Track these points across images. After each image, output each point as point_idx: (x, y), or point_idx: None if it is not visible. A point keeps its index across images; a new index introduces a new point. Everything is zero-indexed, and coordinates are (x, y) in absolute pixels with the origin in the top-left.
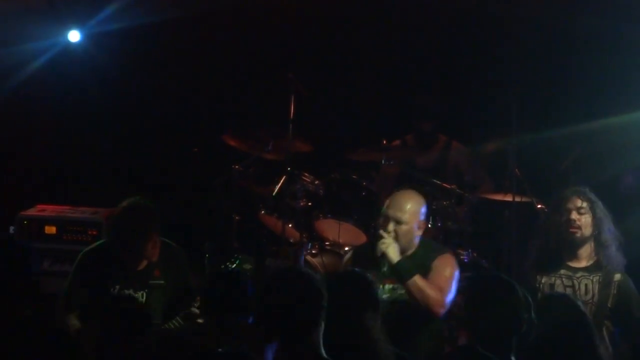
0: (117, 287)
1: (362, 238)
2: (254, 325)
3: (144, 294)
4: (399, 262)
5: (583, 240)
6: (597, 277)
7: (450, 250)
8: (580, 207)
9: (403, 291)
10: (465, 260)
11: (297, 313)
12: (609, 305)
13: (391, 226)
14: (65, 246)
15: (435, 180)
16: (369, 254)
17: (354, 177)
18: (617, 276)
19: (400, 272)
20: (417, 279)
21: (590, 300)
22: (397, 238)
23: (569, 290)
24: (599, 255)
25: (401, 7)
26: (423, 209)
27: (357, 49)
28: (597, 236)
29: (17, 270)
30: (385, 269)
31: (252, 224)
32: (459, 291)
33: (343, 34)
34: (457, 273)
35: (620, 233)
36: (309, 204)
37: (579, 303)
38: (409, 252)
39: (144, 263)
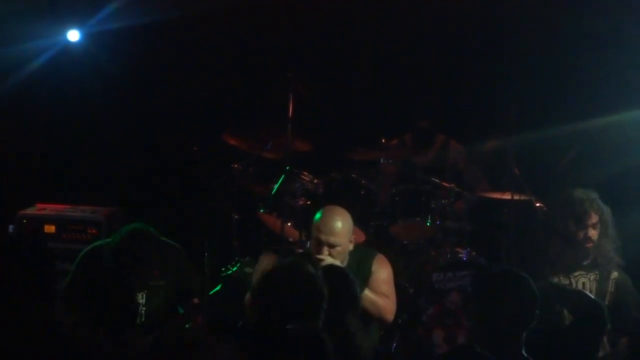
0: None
1: (361, 237)
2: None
3: (144, 295)
4: None
5: (590, 250)
6: (595, 276)
7: (377, 251)
8: (595, 223)
9: None
10: (464, 259)
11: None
12: (606, 302)
13: (325, 250)
14: (64, 245)
15: (434, 179)
16: None
17: (353, 176)
18: (615, 274)
19: None
20: (367, 293)
21: None
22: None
23: None
24: (596, 254)
25: (400, 7)
26: (351, 224)
27: (356, 48)
28: (599, 240)
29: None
30: None
31: (251, 223)
32: (458, 289)
33: (342, 33)
34: (391, 271)
35: (619, 235)
36: (308, 202)
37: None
38: (344, 264)
39: None
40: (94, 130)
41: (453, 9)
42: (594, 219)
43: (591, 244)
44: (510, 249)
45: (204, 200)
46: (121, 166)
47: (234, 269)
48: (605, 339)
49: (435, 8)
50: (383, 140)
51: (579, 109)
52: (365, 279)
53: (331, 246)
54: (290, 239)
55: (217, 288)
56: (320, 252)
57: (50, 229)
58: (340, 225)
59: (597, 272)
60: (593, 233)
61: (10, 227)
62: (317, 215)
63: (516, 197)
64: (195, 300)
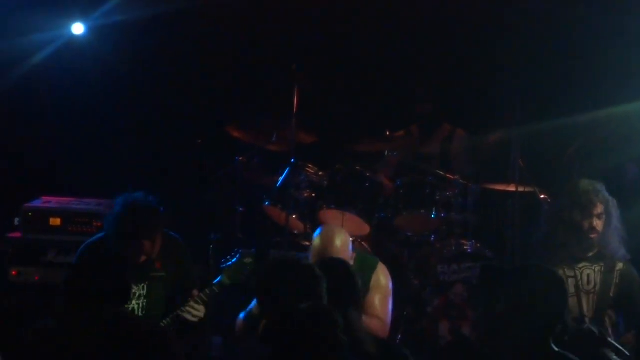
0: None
1: (365, 229)
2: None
3: (145, 287)
4: None
5: (595, 240)
6: (599, 267)
7: (379, 260)
8: (600, 214)
9: None
10: (469, 251)
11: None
12: (611, 294)
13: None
14: (70, 238)
15: (438, 171)
16: None
17: (358, 168)
18: (620, 265)
19: None
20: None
21: (593, 290)
22: None
23: (571, 281)
24: (601, 246)
25: None
26: (349, 240)
27: (360, 40)
28: (604, 231)
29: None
30: None
31: (256, 215)
32: (463, 281)
33: (346, 25)
34: (391, 283)
35: (624, 226)
36: (313, 195)
37: None
38: None
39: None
40: (98, 123)
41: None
42: (600, 209)
43: (596, 235)
44: (515, 240)
45: (208, 193)
46: (126, 159)
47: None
48: (610, 331)
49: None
50: (388, 132)
51: (584, 101)
52: (365, 289)
53: None
54: (295, 231)
55: (218, 279)
56: None
57: (55, 221)
58: (339, 245)
59: (602, 264)
60: (598, 223)
61: (16, 220)
62: (315, 240)
63: (521, 189)
64: (195, 292)
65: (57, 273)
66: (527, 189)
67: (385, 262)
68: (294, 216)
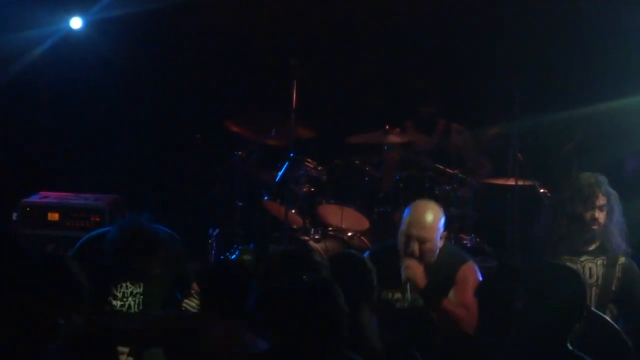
0: (114, 278)
1: (364, 223)
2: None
3: (141, 285)
4: (426, 287)
5: (597, 232)
6: (602, 261)
7: (471, 258)
8: (603, 205)
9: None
10: (468, 245)
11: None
12: (613, 288)
13: (416, 247)
14: (68, 233)
15: (437, 165)
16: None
17: (357, 162)
18: (622, 259)
19: (429, 299)
20: (446, 304)
21: (595, 284)
22: (422, 257)
23: None
24: (603, 239)
25: None
26: (443, 218)
27: (359, 34)
28: (605, 224)
29: None
30: (408, 294)
31: (255, 210)
32: None
33: (344, 19)
34: (480, 281)
35: (625, 220)
36: (312, 189)
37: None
38: (431, 261)
39: None
40: (96, 118)
41: None
42: (602, 200)
43: (598, 226)
44: (514, 234)
45: (207, 188)
46: (124, 154)
47: (233, 256)
48: None
49: None
50: (387, 127)
51: (583, 94)
52: (450, 283)
53: (421, 241)
54: (294, 226)
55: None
56: (408, 247)
57: (53, 216)
58: (431, 219)
59: (604, 258)
60: (600, 215)
61: (14, 215)
62: (408, 210)
63: (520, 183)
64: (195, 286)
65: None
66: (527, 183)
67: None
68: (293, 211)
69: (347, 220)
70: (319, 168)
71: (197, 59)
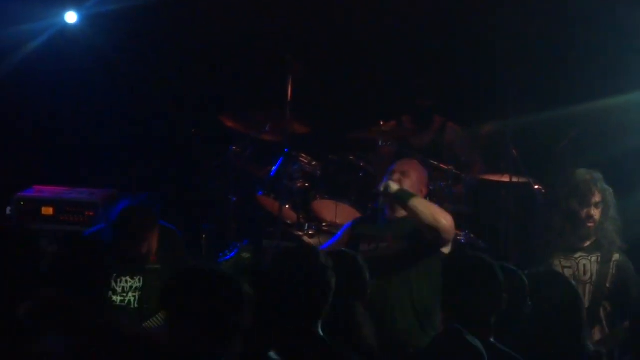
0: (114, 274)
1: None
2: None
3: (141, 279)
4: (401, 188)
5: (592, 230)
6: (596, 257)
7: None
8: (598, 202)
9: None
10: (462, 241)
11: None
12: (607, 285)
13: (397, 176)
14: (62, 227)
15: (432, 161)
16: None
17: (351, 158)
18: (616, 256)
19: (403, 196)
20: (422, 199)
21: (589, 280)
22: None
23: (567, 271)
24: (597, 236)
25: None
26: (426, 174)
27: (355, 29)
28: (601, 221)
29: None
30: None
31: (249, 205)
32: None
33: (340, 14)
34: None
35: (622, 217)
36: (306, 185)
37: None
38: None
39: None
40: (91, 113)
41: None
42: (597, 197)
43: (593, 224)
44: (509, 231)
45: (201, 183)
46: (118, 148)
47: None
48: (604, 322)
49: None
50: (381, 123)
51: (578, 91)
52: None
53: (403, 174)
54: (288, 221)
55: None
56: (392, 177)
57: (47, 211)
58: (415, 163)
59: (598, 254)
60: (595, 212)
61: (8, 209)
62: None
63: (514, 180)
64: None
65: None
66: (521, 180)
67: None
68: (287, 206)
69: (342, 215)
70: (314, 163)
71: (192, 54)
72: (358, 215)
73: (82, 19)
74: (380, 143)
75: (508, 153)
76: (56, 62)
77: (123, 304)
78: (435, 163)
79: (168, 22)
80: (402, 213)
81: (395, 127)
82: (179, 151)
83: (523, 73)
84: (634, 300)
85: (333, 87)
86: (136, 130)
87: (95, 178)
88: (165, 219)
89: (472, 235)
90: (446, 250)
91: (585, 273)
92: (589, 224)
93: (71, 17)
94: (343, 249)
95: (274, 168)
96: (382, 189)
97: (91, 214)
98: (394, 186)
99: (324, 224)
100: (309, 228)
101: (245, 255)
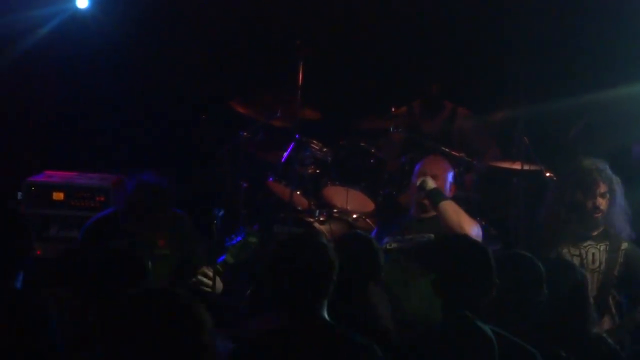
0: None
1: (370, 205)
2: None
3: (149, 265)
4: (437, 187)
5: (599, 219)
6: (604, 246)
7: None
8: (605, 192)
9: None
10: None
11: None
12: (615, 273)
13: (429, 178)
14: (73, 212)
15: (443, 148)
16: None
17: (362, 144)
18: (625, 244)
19: (436, 196)
20: (454, 204)
21: (597, 269)
22: None
23: (576, 260)
24: (606, 224)
25: None
26: (452, 172)
27: (366, 15)
28: (608, 210)
29: None
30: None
31: (260, 191)
32: None
33: (351, 1)
34: None
35: (629, 205)
36: (317, 171)
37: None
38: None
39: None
40: (102, 98)
41: None
42: (603, 188)
43: (600, 214)
44: (520, 219)
45: (212, 168)
46: (129, 134)
47: (239, 238)
48: (613, 310)
49: None
50: (393, 109)
51: (590, 79)
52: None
53: (433, 176)
54: (299, 208)
55: (222, 258)
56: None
57: (58, 196)
58: (441, 163)
59: (607, 243)
60: (602, 202)
61: (19, 195)
62: (420, 163)
63: (526, 167)
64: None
65: (59, 248)
66: (533, 167)
67: None
68: (298, 192)
69: (353, 202)
70: (325, 149)
71: (203, 39)
72: (369, 201)
73: (93, 3)
74: (391, 129)
75: (519, 140)
76: (67, 47)
77: None
78: (447, 150)
79: (180, 6)
80: (431, 213)
81: (405, 113)
82: (189, 136)
83: (534, 60)
84: None
85: (344, 73)
86: (147, 115)
87: (106, 163)
88: (176, 205)
89: (483, 222)
90: None
91: (594, 261)
92: (596, 215)
93: (82, 2)
94: (358, 231)
95: (285, 154)
96: (418, 183)
97: (102, 199)
98: (431, 184)
99: (334, 210)
100: (320, 214)
101: (252, 239)
